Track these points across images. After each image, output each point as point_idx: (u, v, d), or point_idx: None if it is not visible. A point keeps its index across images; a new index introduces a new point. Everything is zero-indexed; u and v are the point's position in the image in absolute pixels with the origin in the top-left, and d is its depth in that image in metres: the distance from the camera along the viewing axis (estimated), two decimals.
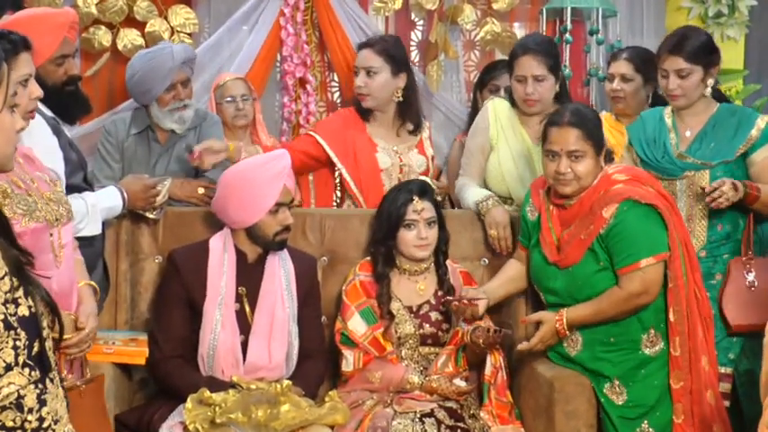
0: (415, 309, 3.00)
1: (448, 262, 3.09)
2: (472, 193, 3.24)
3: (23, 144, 2.42)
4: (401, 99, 3.45)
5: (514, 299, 3.12)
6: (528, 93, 3.22)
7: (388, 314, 2.96)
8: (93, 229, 2.81)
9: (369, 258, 3.07)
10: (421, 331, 2.98)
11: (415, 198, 2.97)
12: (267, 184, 2.82)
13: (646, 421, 2.78)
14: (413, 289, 3.03)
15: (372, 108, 3.46)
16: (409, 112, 3.50)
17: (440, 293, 3.03)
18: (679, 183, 3.11)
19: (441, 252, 3.05)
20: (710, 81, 3.11)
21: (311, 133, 3.52)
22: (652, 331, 2.80)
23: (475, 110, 3.86)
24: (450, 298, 2.93)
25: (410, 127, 3.52)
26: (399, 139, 3.51)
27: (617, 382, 2.80)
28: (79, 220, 2.69)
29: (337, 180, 3.59)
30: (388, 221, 2.98)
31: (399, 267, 3.03)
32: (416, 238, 2.96)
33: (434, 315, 3.00)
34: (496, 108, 3.36)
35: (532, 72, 3.20)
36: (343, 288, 3.03)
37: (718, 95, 3.26)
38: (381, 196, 3.35)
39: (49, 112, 2.71)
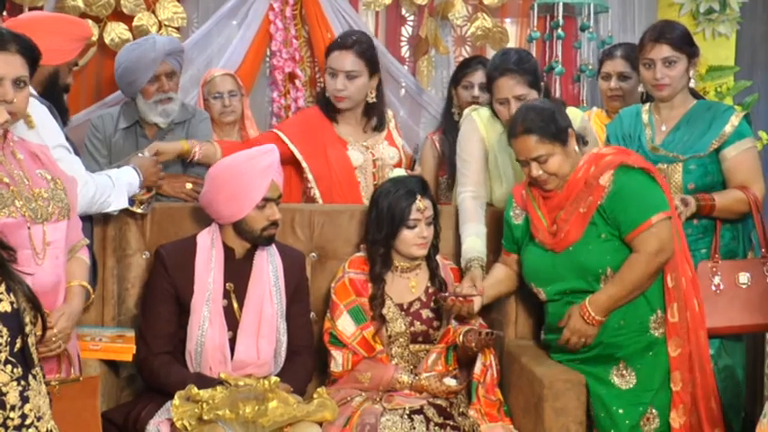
0: (406, 306, 2.98)
1: (439, 258, 3.07)
2: (466, 246, 3.09)
3: (25, 138, 2.44)
4: (374, 100, 3.45)
5: (504, 298, 3.10)
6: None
7: (380, 317, 2.94)
8: (119, 203, 2.90)
9: (360, 254, 3.04)
10: (412, 329, 2.96)
11: (418, 196, 2.94)
12: (255, 179, 2.80)
13: (650, 406, 2.78)
14: (404, 286, 3.01)
15: (347, 108, 3.44)
16: (376, 110, 3.49)
17: (431, 290, 3.01)
18: None
19: (432, 246, 3.02)
20: (692, 72, 3.15)
21: (275, 131, 3.51)
22: (659, 312, 2.79)
23: (449, 106, 3.84)
24: (445, 294, 2.91)
25: (374, 124, 3.50)
26: (367, 135, 3.51)
27: (623, 364, 2.79)
28: (108, 195, 2.81)
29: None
30: (390, 221, 2.93)
31: (392, 265, 3.00)
32: (417, 237, 2.94)
33: (425, 312, 2.99)
34: (481, 117, 3.26)
35: (513, 93, 3.09)
36: (332, 286, 3.00)
37: (693, 92, 3.28)
38: (358, 194, 3.32)
39: (44, 101, 2.74)
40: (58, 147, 2.62)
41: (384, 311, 2.95)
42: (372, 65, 3.41)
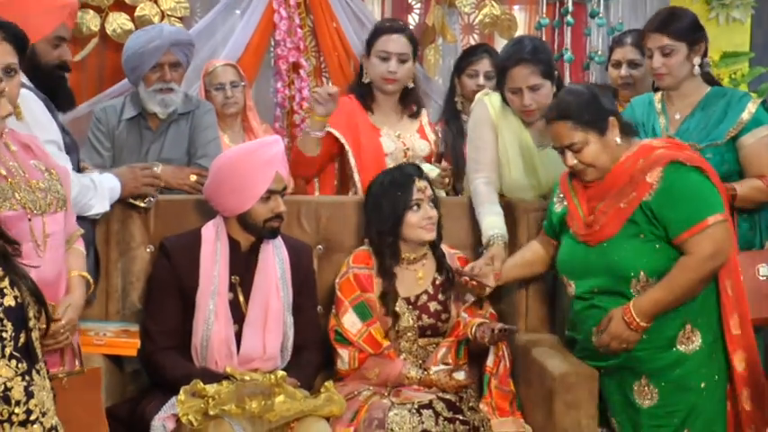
0: (413, 300, 2.94)
1: (445, 247, 3.02)
2: (486, 224, 3.06)
3: (14, 129, 2.39)
4: (413, 85, 3.54)
5: (514, 290, 3.06)
6: (526, 104, 3.08)
7: (393, 313, 2.90)
8: (101, 206, 2.84)
9: (364, 248, 2.99)
10: (420, 323, 2.92)
11: (416, 178, 2.92)
12: (259, 171, 2.77)
13: (687, 429, 2.64)
14: (411, 279, 2.96)
15: (392, 92, 3.49)
16: (413, 95, 3.57)
17: (438, 281, 2.97)
18: None
19: (436, 235, 2.97)
20: (696, 60, 3.06)
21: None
22: (688, 326, 2.62)
23: (452, 95, 3.84)
24: (462, 270, 2.86)
25: (412, 110, 3.57)
26: (401, 125, 3.55)
27: (644, 381, 2.66)
28: (90, 197, 2.76)
29: (336, 169, 3.62)
30: (392, 208, 2.89)
31: (400, 256, 2.95)
32: (423, 218, 2.89)
33: (433, 305, 2.94)
34: (493, 102, 3.23)
35: (527, 83, 3.05)
36: (337, 281, 2.96)
37: (710, 79, 3.22)
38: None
39: (40, 94, 2.69)
40: (49, 142, 2.56)
41: (396, 309, 2.90)
42: (416, 50, 3.55)
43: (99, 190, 2.82)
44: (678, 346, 2.63)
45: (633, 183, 2.62)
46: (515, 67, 3.06)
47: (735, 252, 2.69)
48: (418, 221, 2.89)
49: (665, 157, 2.60)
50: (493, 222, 3.03)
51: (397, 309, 2.91)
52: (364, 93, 3.52)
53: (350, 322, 2.88)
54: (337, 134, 3.44)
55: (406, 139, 3.52)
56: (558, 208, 2.86)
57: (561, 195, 2.85)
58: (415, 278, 2.97)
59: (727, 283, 2.63)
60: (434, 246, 2.99)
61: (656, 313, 2.59)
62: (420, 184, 2.91)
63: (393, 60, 3.44)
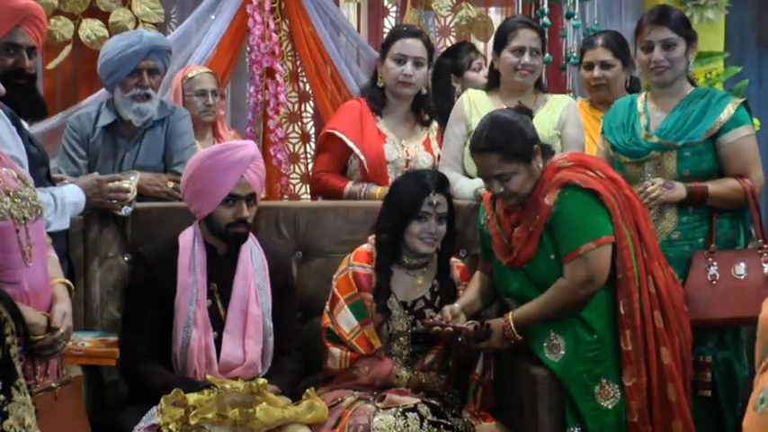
0: (409, 304, 2.92)
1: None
2: (470, 183, 3.21)
3: None
4: (426, 92, 3.56)
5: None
6: (525, 63, 3.29)
7: (384, 309, 2.88)
8: (61, 223, 2.77)
9: (365, 247, 2.96)
10: (414, 328, 2.90)
11: (432, 191, 2.87)
12: (223, 173, 2.74)
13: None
14: (410, 283, 2.94)
15: (408, 97, 3.52)
16: (425, 102, 3.58)
17: (437, 289, 2.94)
18: (647, 164, 3.05)
19: (447, 246, 2.95)
20: (691, 57, 3.10)
21: (330, 131, 3.51)
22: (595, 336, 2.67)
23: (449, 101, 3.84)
24: (434, 321, 2.81)
25: (423, 118, 3.58)
26: (407, 134, 3.57)
27: (604, 381, 2.66)
28: (48, 214, 2.66)
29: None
30: (399, 212, 2.87)
31: (400, 261, 2.93)
32: (424, 231, 2.86)
33: (429, 313, 2.91)
34: (471, 97, 3.38)
35: (531, 45, 3.29)
36: (335, 277, 2.93)
37: (691, 80, 3.22)
38: (387, 187, 3.31)
39: (6, 108, 2.62)
40: (11, 159, 2.50)
41: (388, 306, 2.88)
42: (431, 55, 3.56)
43: (59, 206, 2.75)
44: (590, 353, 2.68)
45: (537, 205, 2.68)
46: (524, 29, 3.32)
47: (647, 264, 2.69)
48: (418, 232, 2.86)
49: (562, 180, 2.67)
50: (474, 180, 3.18)
51: (394, 311, 2.89)
52: (376, 97, 3.54)
53: (345, 320, 2.85)
54: (352, 145, 3.46)
55: (410, 149, 3.52)
56: (486, 229, 2.88)
57: (486, 219, 2.88)
58: (414, 284, 2.94)
59: (621, 303, 2.64)
60: (441, 257, 2.96)
61: (529, 327, 2.70)
62: (434, 198, 2.86)
63: (409, 63, 3.46)
